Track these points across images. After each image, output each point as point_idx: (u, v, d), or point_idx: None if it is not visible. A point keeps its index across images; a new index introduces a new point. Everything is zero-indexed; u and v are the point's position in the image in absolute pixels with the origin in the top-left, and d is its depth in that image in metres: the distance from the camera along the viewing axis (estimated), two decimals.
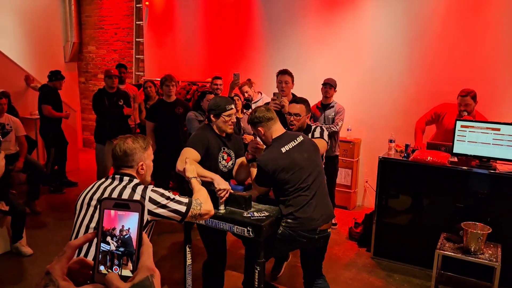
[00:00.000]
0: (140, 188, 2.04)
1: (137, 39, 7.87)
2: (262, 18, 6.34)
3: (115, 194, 1.98)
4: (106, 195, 2.00)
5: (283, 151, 2.70)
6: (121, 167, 2.11)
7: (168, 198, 2.05)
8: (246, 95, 5.05)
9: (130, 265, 0.70)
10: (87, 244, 0.78)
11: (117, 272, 0.70)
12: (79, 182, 6.35)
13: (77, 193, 5.94)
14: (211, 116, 2.89)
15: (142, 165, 2.11)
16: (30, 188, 5.13)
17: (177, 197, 2.07)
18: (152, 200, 2.01)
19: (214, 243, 2.94)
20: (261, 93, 5.40)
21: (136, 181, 2.08)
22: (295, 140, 2.77)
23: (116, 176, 2.10)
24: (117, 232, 0.71)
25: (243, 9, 6.48)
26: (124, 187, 2.03)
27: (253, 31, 6.42)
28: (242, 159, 3.07)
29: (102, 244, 0.72)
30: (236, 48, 6.54)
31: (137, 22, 7.81)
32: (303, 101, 3.26)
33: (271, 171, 2.65)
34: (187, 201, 2.08)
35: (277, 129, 2.81)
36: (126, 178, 2.07)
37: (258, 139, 2.92)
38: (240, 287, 3.49)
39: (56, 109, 5.90)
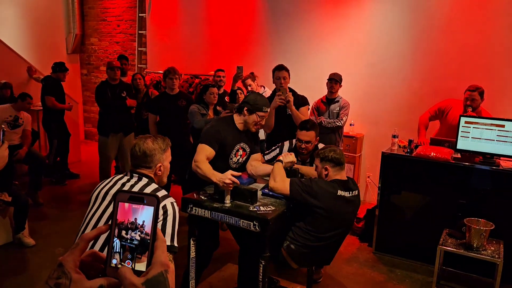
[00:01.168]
0: (161, 193, 2.02)
1: (139, 32, 7.84)
2: (266, 12, 6.30)
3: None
4: None
5: (337, 194, 2.73)
6: (139, 166, 2.09)
7: (174, 224, 1.96)
8: (249, 88, 5.04)
9: (144, 259, 0.70)
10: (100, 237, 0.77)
11: (130, 266, 0.69)
12: (81, 174, 6.36)
13: (79, 185, 6.01)
14: (245, 109, 2.89)
15: (160, 166, 2.10)
16: (32, 179, 5.14)
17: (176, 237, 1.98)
18: (173, 209, 1.96)
19: (208, 230, 2.96)
20: (263, 87, 5.38)
21: (154, 185, 2.06)
22: (351, 192, 2.80)
23: (134, 174, 2.08)
24: (130, 226, 0.71)
25: (247, 2, 6.45)
26: (144, 186, 2.02)
27: (257, 24, 6.40)
28: (257, 155, 3.08)
29: (115, 238, 0.71)
30: (239, 42, 6.51)
31: (140, 14, 7.77)
32: (313, 127, 3.28)
33: (314, 201, 2.66)
34: (176, 246, 1.98)
35: (342, 175, 2.84)
36: (144, 179, 2.06)
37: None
38: None
39: (59, 101, 5.89)
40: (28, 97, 5.24)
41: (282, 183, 2.71)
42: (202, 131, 2.95)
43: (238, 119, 2.97)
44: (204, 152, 2.78)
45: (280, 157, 2.88)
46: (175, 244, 1.94)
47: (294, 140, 3.43)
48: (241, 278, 3.22)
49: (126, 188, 2.00)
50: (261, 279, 2.57)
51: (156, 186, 2.07)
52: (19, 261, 3.84)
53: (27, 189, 5.01)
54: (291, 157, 2.90)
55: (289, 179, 2.74)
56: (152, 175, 2.10)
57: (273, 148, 3.50)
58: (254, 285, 2.59)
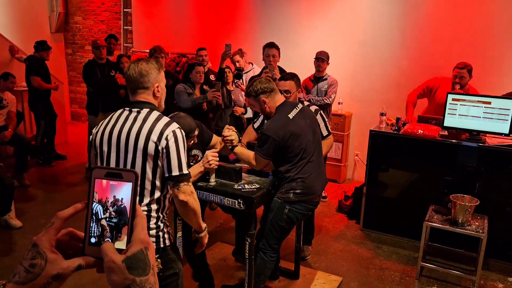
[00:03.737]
0: (163, 120, 1.95)
1: (125, 10, 7.66)
2: None
3: (143, 133, 1.89)
4: (130, 132, 1.91)
5: (291, 117, 2.72)
6: (137, 89, 1.99)
7: (181, 151, 1.93)
8: (237, 64, 4.98)
9: (123, 237, 0.67)
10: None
11: None
12: (67, 156, 6.29)
13: (66, 166, 5.96)
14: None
15: (157, 86, 2.01)
16: (17, 161, 5.09)
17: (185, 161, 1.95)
18: (174, 138, 1.91)
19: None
20: (252, 64, 5.33)
21: (156, 112, 1.98)
22: (297, 107, 2.79)
23: (133, 109, 1.98)
24: (109, 204, 0.68)
25: None
26: (147, 116, 1.94)
27: (244, 1, 6.28)
28: (216, 137, 2.98)
29: (93, 215, 0.68)
30: (227, 19, 6.40)
31: None
32: (292, 77, 3.19)
33: (281, 138, 2.64)
34: (188, 172, 1.96)
35: (280, 99, 2.82)
36: (145, 110, 1.97)
37: (228, 133, 2.77)
38: (230, 257, 3.53)
39: (45, 81, 5.78)
40: (10, 77, 5.13)
41: (254, 162, 2.71)
42: None
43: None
44: None
45: (229, 144, 2.77)
46: (185, 171, 1.92)
47: None
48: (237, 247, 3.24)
49: (128, 122, 1.95)
50: (247, 256, 2.59)
51: (158, 113, 1.99)
52: (6, 243, 3.82)
53: (12, 172, 4.95)
54: (229, 132, 2.76)
55: (255, 154, 2.70)
56: (152, 97, 2.01)
57: (259, 114, 3.43)
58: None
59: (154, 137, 1.89)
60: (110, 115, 2.06)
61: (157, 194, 1.93)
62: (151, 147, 1.88)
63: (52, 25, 8.33)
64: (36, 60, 5.74)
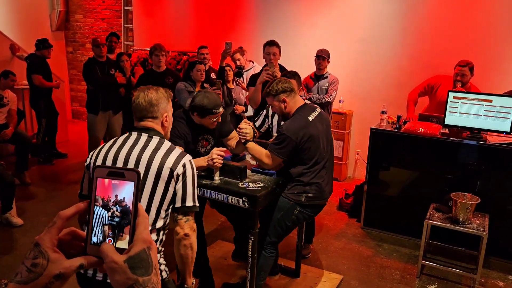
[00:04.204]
0: (177, 150, 1.90)
1: (125, 8, 7.65)
2: None
3: (157, 158, 1.83)
4: (140, 160, 1.83)
5: (310, 120, 2.71)
6: (145, 118, 1.92)
7: (194, 183, 1.90)
8: (238, 62, 4.98)
9: (125, 236, 0.67)
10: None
11: (111, 244, 0.67)
12: (68, 154, 6.29)
13: (67, 164, 5.96)
14: (195, 114, 2.67)
15: (166, 116, 1.96)
16: (18, 159, 5.09)
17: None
18: (191, 167, 1.88)
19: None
20: (252, 62, 5.33)
21: (168, 143, 1.92)
22: (316, 111, 2.79)
23: (143, 133, 1.91)
24: (111, 203, 0.68)
25: None
26: (159, 145, 1.88)
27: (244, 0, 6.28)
28: (233, 133, 2.98)
29: (94, 215, 0.68)
30: (227, 17, 6.39)
31: None
32: (293, 75, 3.19)
33: (300, 140, 2.63)
34: (197, 205, 1.93)
35: (299, 100, 2.82)
36: (155, 138, 1.90)
37: (244, 126, 2.74)
38: (230, 256, 3.52)
39: (46, 79, 5.78)
40: (11, 74, 5.12)
41: (268, 159, 2.68)
42: None
43: (193, 117, 2.74)
44: None
45: (243, 136, 2.74)
46: (196, 203, 1.90)
47: None
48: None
49: (139, 145, 1.86)
50: (250, 255, 2.59)
51: (170, 144, 1.93)
52: (7, 241, 3.82)
53: (13, 170, 4.96)
54: (245, 125, 2.74)
55: (270, 153, 2.67)
56: (160, 127, 1.95)
57: (260, 112, 3.44)
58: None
59: (169, 163, 1.83)
60: (114, 139, 1.97)
61: (159, 223, 1.86)
62: (166, 172, 1.82)
63: (52, 23, 8.32)
64: (37, 58, 5.74)
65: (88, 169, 1.95)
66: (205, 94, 2.60)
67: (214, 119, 2.66)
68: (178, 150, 1.93)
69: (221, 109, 2.63)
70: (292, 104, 2.76)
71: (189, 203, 1.87)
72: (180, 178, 1.84)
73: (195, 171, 1.92)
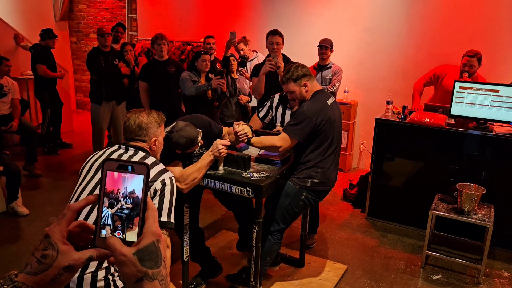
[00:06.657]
0: (159, 166, 1.93)
1: None
2: None
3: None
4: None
5: (328, 104, 2.73)
6: (133, 140, 1.99)
7: (172, 199, 1.90)
8: (241, 52, 4.96)
9: (135, 228, 0.68)
10: (88, 207, 0.75)
11: (121, 237, 0.67)
12: (73, 144, 6.32)
13: (72, 154, 5.98)
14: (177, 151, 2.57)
15: (155, 140, 2.01)
16: (27, 152, 5.08)
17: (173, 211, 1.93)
18: (171, 185, 1.89)
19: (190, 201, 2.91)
20: (256, 52, 5.29)
21: (152, 158, 1.96)
22: (332, 98, 2.83)
23: (130, 148, 1.98)
24: (120, 195, 0.69)
25: None
26: (142, 160, 1.91)
27: None
28: (226, 129, 2.93)
29: (104, 207, 0.69)
30: (231, 7, 6.34)
31: None
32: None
33: (319, 121, 2.65)
34: (172, 221, 1.90)
35: (317, 84, 2.85)
36: (141, 153, 1.96)
37: (240, 128, 2.71)
38: (235, 245, 3.53)
39: (51, 69, 5.77)
40: (4, 60, 4.95)
41: (280, 142, 2.65)
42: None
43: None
44: (179, 167, 2.55)
45: (244, 137, 2.72)
46: (172, 220, 1.89)
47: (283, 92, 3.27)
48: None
49: (123, 158, 1.91)
50: (254, 244, 2.59)
51: (154, 159, 1.99)
52: (13, 230, 3.85)
53: (23, 161, 4.97)
54: (241, 127, 2.71)
55: (285, 134, 2.66)
56: (148, 149, 2.01)
57: (264, 103, 3.42)
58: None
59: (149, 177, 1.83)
60: (105, 149, 2.05)
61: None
62: None
63: (56, 13, 8.30)
64: (42, 48, 5.73)
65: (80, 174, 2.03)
66: (179, 133, 2.44)
67: (196, 149, 2.60)
68: (161, 166, 1.96)
69: (199, 138, 2.53)
70: (311, 88, 2.79)
71: (164, 218, 1.87)
72: (158, 193, 1.87)
73: (174, 189, 1.93)
